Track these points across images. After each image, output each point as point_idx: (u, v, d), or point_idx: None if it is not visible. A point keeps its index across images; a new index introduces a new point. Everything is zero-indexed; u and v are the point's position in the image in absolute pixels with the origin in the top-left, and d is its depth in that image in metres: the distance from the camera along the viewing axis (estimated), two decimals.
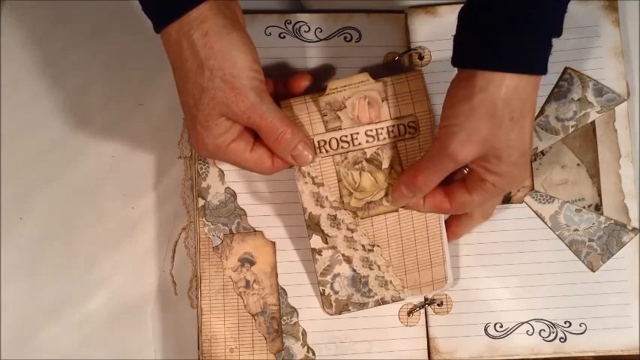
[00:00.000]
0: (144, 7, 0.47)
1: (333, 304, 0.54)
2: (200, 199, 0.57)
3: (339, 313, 0.54)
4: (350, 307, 0.54)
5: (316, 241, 0.54)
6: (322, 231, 0.54)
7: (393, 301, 0.55)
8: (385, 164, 0.53)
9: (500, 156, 0.45)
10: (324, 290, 0.54)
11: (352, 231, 0.54)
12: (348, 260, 0.54)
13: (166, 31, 0.46)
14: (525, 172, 0.47)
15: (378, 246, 0.54)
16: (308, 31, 0.59)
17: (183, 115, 0.49)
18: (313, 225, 0.54)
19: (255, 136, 0.50)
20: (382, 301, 0.55)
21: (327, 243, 0.54)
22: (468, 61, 0.44)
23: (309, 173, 0.53)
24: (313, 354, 0.56)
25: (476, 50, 0.44)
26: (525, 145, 0.45)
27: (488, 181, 0.47)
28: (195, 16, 0.44)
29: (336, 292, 0.54)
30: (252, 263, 0.57)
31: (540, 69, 0.44)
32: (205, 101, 0.46)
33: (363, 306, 0.54)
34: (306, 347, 0.56)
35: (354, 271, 0.54)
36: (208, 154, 0.49)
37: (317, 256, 0.54)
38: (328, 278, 0.54)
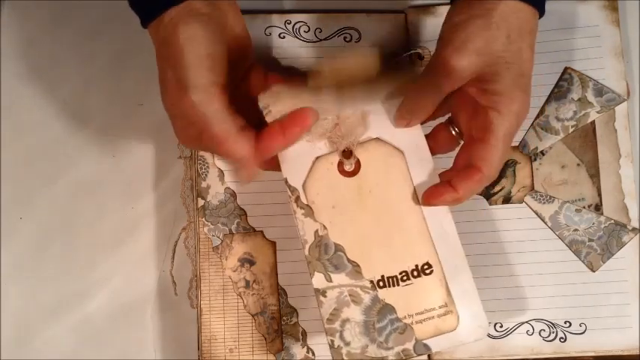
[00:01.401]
0: (132, 6, 0.47)
1: (345, 358, 0.48)
2: (200, 199, 0.57)
3: None
4: None
5: (319, 280, 0.49)
6: (324, 267, 0.49)
7: (419, 354, 0.48)
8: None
9: (497, 72, 0.44)
10: (332, 341, 0.48)
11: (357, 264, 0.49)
12: (356, 301, 0.49)
13: (149, 28, 0.46)
14: (528, 98, 0.45)
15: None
16: (308, 31, 0.59)
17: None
18: (314, 261, 0.49)
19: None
20: (404, 354, 0.48)
21: (331, 281, 0.49)
22: None
23: (307, 205, 0.50)
24: (313, 354, 0.56)
25: None
26: (524, 67, 0.44)
27: (489, 106, 0.45)
28: (167, 14, 0.44)
29: (347, 344, 0.48)
30: (252, 263, 0.57)
31: (539, 5, 0.44)
32: (162, 94, 0.46)
33: None
34: (306, 347, 0.56)
35: (365, 314, 0.48)
36: (193, 145, 0.48)
37: (321, 298, 0.49)
38: (336, 325, 0.48)
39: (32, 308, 0.58)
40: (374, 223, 0.49)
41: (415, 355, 0.48)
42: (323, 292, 0.49)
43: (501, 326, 0.56)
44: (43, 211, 0.59)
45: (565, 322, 0.56)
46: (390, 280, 0.49)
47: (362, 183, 0.50)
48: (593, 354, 0.56)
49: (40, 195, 0.59)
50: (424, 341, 0.48)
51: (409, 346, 0.48)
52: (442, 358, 0.56)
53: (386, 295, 0.48)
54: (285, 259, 0.57)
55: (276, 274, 0.57)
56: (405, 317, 0.48)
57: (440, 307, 0.48)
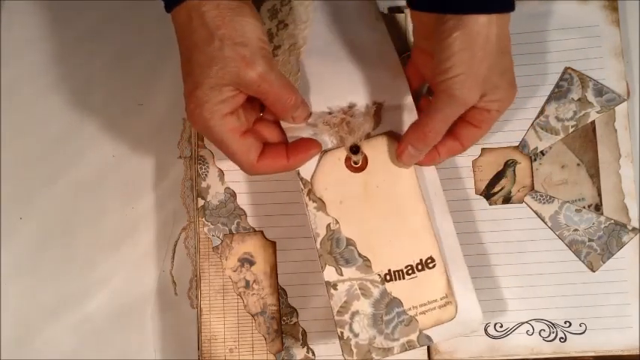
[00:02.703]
0: None
1: (354, 349, 0.49)
2: (200, 199, 0.57)
3: None
4: (373, 354, 0.49)
5: (330, 273, 0.50)
6: (336, 260, 0.50)
7: (422, 345, 0.49)
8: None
9: (497, 85, 0.47)
10: (342, 333, 0.49)
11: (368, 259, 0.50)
12: (366, 294, 0.50)
13: (177, 9, 0.46)
14: (516, 89, 0.49)
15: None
16: None
17: (183, 81, 0.47)
18: (326, 254, 0.50)
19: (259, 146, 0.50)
20: (409, 345, 0.49)
21: (342, 274, 0.50)
22: (463, 6, 0.45)
23: (319, 198, 0.51)
24: (313, 354, 0.56)
25: None
26: (512, 66, 0.48)
27: (492, 109, 0.48)
28: None
29: (356, 335, 0.49)
30: (251, 263, 0.57)
31: (512, 6, 0.46)
32: (214, 70, 0.45)
33: (387, 352, 0.49)
34: (306, 347, 0.56)
35: (374, 307, 0.49)
36: (200, 121, 0.47)
37: (332, 291, 0.50)
38: (346, 317, 0.49)
39: (32, 308, 0.58)
40: (381, 218, 0.50)
41: (418, 345, 0.49)
42: (334, 285, 0.50)
43: (501, 326, 0.56)
44: (43, 211, 0.59)
45: (565, 322, 0.56)
46: (397, 273, 0.50)
47: (369, 178, 0.51)
48: (593, 354, 0.56)
49: (40, 195, 0.59)
50: (425, 332, 0.49)
51: (413, 337, 0.49)
52: (442, 358, 0.56)
53: (392, 288, 0.50)
54: (285, 259, 0.57)
55: (276, 274, 0.57)
56: (410, 309, 0.50)
57: (441, 299, 0.50)
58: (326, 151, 0.51)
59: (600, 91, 0.58)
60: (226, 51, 0.45)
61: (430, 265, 0.50)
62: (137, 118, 0.60)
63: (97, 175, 0.59)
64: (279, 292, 0.57)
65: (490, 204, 0.58)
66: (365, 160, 0.51)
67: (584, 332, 0.56)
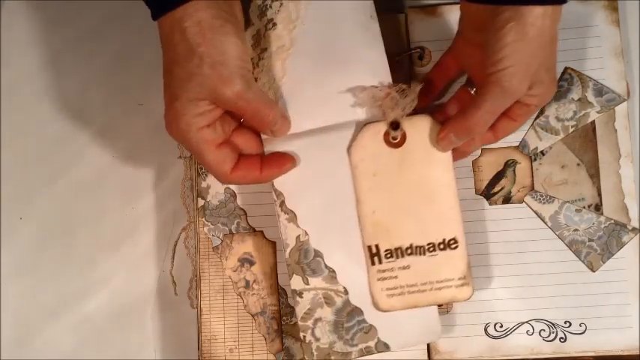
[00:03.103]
0: None
1: (315, 352, 0.52)
2: (200, 199, 0.57)
3: None
4: (332, 357, 0.52)
5: (297, 282, 0.52)
6: (303, 270, 0.52)
7: (379, 351, 0.52)
8: None
9: (542, 80, 0.48)
10: (304, 337, 0.52)
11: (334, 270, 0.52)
12: (329, 303, 0.52)
13: (163, 19, 0.46)
14: (556, 85, 0.50)
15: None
16: None
17: (163, 90, 0.48)
18: (294, 264, 0.52)
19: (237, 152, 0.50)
20: (366, 351, 0.52)
21: (308, 284, 0.52)
22: None
23: (291, 210, 0.52)
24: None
25: None
26: (555, 62, 0.49)
27: (532, 104, 0.49)
28: (190, 6, 0.45)
29: (318, 339, 0.52)
30: (251, 263, 0.57)
31: None
32: (192, 84, 0.46)
33: (345, 356, 0.52)
34: None
35: (336, 315, 0.52)
36: (178, 132, 0.48)
37: (297, 299, 0.52)
38: (309, 323, 0.52)
39: (32, 308, 0.58)
40: (410, 195, 0.52)
41: (376, 351, 0.52)
42: (300, 293, 0.52)
43: (501, 326, 0.56)
44: (43, 211, 0.59)
45: (565, 322, 0.56)
46: (418, 249, 0.51)
47: (405, 156, 0.51)
48: (593, 354, 0.56)
49: (40, 195, 0.59)
50: (383, 340, 0.52)
51: (371, 344, 0.52)
52: (442, 358, 0.56)
53: (412, 261, 0.51)
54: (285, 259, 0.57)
55: (276, 274, 0.57)
56: (425, 284, 0.52)
57: (459, 279, 0.52)
58: (367, 124, 0.51)
59: (600, 91, 0.58)
60: (205, 68, 0.45)
61: (452, 246, 0.51)
62: (137, 118, 0.60)
63: (97, 175, 0.59)
64: (279, 292, 0.57)
65: (490, 204, 0.58)
66: (403, 137, 0.51)
67: (584, 332, 0.56)
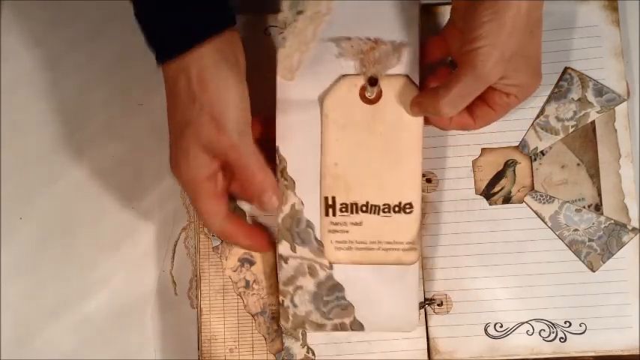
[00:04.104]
0: (148, 42, 0.48)
1: (290, 318, 0.53)
2: None
3: (294, 330, 0.54)
4: (307, 326, 0.53)
5: (284, 248, 0.53)
6: (292, 238, 0.53)
7: (353, 330, 0.53)
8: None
9: (519, 68, 0.47)
10: (283, 301, 0.53)
11: (322, 244, 0.53)
12: (313, 274, 0.53)
13: (167, 64, 0.47)
14: (540, 79, 0.50)
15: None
16: None
17: (169, 138, 0.50)
18: (284, 230, 0.53)
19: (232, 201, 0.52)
20: (341, 327, 0.53)
21: (295, 252, 0.53)
22: None
23: (290, 177, 0.52)
24: (313, 354, 0.56)
25: None
26: (539, 54, 0.49)
27: (512, 94, 0.49)
28: (195, 53, 0.46)
29: (295, 306, 0.53)
30: (251, 263, 0.57)
31: None
32: (189, 132, 0.47)
33: (320, 327, 0.53)
34: (306, 347, 0.56)
35: (317, 287, 0.53)
36: (180, 180, 0.50)
37: (283, 264, 0.53)
38: (290, 289, 0.53)
39: (32, 308, 0.58)
40: (375, 152, 0.52)
41: (350, 329, 0.53)
42: (285, 259, 0.53)
43: (501, 326, 0.56)
44: (43, 211, 0.59)
45: (565, 322, 0.56)
46: (373, 207, 0.52)
47: (377, 114, 0.52)
48: (593, 354, 0.56)
49: (40, 195, 0.59)
50: (359, 320, 0.53)
51: (347, 321, 0.53)
52: (442, 358, 0.56)
53: (365, 219, 0.52)
54: None
55: (276, 274, 0.57)
56: (374, 242, 0.53)
57: (407, 243, 0.53)
58: (344, 75, 0.51)
59: (600, 91, 0.58)
60: (203, 117, 0.46)
61: (407, 211, 0.52)
62: (137, 118, 0.60)
63: (97, 175, 0.59)
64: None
65: (490, 204, 0.58)
66: (379, 94, 0.51)
67: (584, 332, 0.56)
